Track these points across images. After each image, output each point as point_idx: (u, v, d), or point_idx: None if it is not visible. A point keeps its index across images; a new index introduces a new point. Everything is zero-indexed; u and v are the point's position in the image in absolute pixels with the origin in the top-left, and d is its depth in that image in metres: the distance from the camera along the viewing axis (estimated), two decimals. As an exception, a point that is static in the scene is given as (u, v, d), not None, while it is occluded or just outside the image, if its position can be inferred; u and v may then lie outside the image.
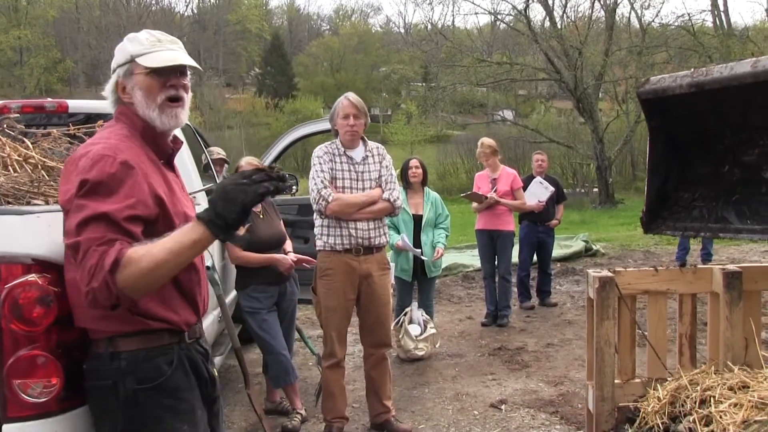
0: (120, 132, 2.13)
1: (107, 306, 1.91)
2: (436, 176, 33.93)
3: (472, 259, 11.01)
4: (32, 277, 2.05)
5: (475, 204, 7.50)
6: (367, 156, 4.50)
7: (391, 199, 4.43)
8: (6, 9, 66.27)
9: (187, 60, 2.18)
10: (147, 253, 1.87)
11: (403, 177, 6.55)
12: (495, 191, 7.34)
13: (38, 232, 2.10)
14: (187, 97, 2.21)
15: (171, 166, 2.29)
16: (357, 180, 4.43)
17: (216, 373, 2.31)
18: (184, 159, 4.59)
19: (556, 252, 11.24)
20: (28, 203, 2.94)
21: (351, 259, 4.38)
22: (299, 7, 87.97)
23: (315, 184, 4.35)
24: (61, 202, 1.99)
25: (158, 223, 2.03)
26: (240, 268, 4.84)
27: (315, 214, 4.45)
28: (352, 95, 4.49)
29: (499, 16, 29.35)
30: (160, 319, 2.08)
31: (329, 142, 4.52)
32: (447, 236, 6.61)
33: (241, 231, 4.57)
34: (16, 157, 3.34)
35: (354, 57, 69.27)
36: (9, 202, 2.93)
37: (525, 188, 7.92)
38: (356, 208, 4.35)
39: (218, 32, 72.90)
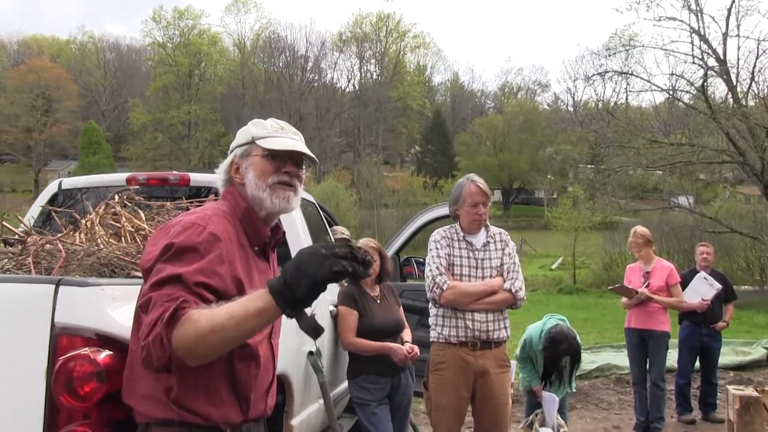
0: (219, 207, 2.23)
1: (160, 366, 1.90)
2: (601, 266, 32.86)
3: (627, 360, 10.44)
4: (86, 350, 2.13)
5: (624, 299, 7.16)
6: (488, 242, 4.42)
7: (513, 290, 4.30)
8: (180, 86, 72.51)
9: (305, 150, 2.28)
10: (208, 314, 1.86)
11: (549, 365, 5.91)
12: (647, 286, 6.96)
13: (101, 305, 2.18)
14: (300, 187, 2.30)
15: (265, 256, 2.34)
16: (476, 267, 4.35)
17: None
18: (299, 237, 4.69)
19: (730, 359, 10.45)
20: (128, 275, 3.11)
21: (466, 354, 4.26)
22: (463, 84, 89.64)
23: (430, 270, 4.32)
24: (142, 264, 2.06)
25: None
26: (352, 355, 4.84)
27: (429, 303, 4.39)
28: (479, 180, 4.43)
29: (677, 94, 28.49)
30: (195, 413, 2.05)
31: (448, 226, 4.50)
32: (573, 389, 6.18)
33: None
34: (129, 228, 3.56)
35: (518, 136, 69.45)
36: (113, 272, 3.11)
37: (686, 284, 7.46)
38: (474, 297, 4.25)
39: (379, 108, 75.67)
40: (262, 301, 1.84)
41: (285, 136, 2.28)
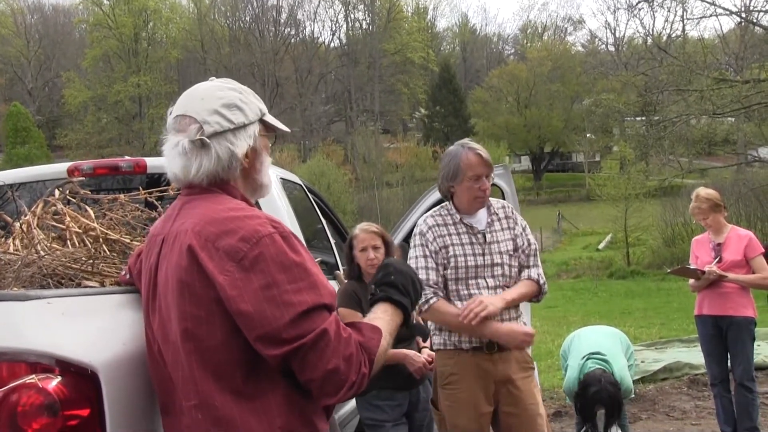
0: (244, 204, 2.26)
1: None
2: (661, 241, 32.76)
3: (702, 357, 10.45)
4: (31, 378, 2.06)
5: (691, 281, 7.08)
6: (492, 221, 4.33)
7: (538, 279, 4.29)
8: (125, 53, 71.33)
9: None
10: (383, 338, 2.16)
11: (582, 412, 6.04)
12: (719, 261, 6.88)
13: (47, 322, 2.15)
14: None
15: None
16: (484, 254, 4.24)
17: None
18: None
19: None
20: (79, 285, 3.12)
21: (483, 360, 4.19)
22: (474, 28, 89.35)
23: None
24: (248, 303, 2.02)
25: None
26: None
27: None
28: (477, 147, 4.26)
29: (751, 16, 28.00)
30: None
31: (437, 208, 4.41)
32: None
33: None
34: (76, 229, 3.57)
35: (548, 88, 69.23)
36: (59, 282, 3.12)
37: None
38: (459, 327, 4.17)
39: (372, 66, 75.28)
40: (398, 316, 2.28)
41: None
